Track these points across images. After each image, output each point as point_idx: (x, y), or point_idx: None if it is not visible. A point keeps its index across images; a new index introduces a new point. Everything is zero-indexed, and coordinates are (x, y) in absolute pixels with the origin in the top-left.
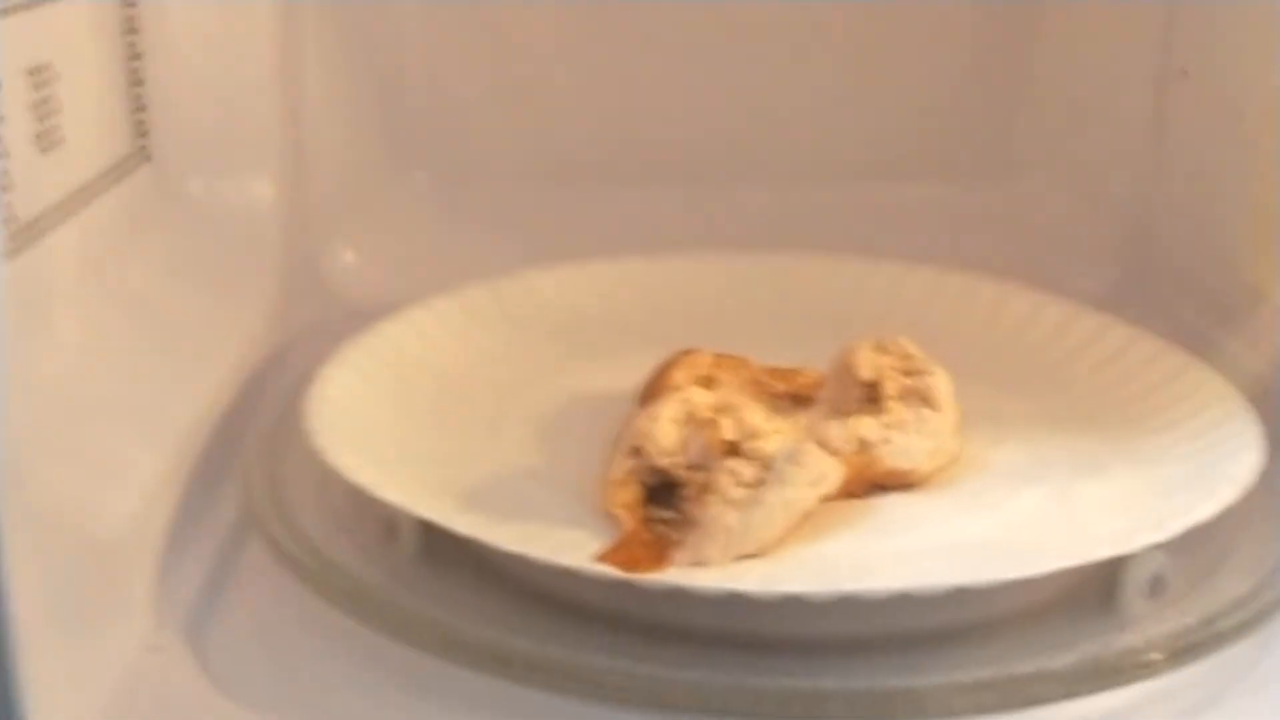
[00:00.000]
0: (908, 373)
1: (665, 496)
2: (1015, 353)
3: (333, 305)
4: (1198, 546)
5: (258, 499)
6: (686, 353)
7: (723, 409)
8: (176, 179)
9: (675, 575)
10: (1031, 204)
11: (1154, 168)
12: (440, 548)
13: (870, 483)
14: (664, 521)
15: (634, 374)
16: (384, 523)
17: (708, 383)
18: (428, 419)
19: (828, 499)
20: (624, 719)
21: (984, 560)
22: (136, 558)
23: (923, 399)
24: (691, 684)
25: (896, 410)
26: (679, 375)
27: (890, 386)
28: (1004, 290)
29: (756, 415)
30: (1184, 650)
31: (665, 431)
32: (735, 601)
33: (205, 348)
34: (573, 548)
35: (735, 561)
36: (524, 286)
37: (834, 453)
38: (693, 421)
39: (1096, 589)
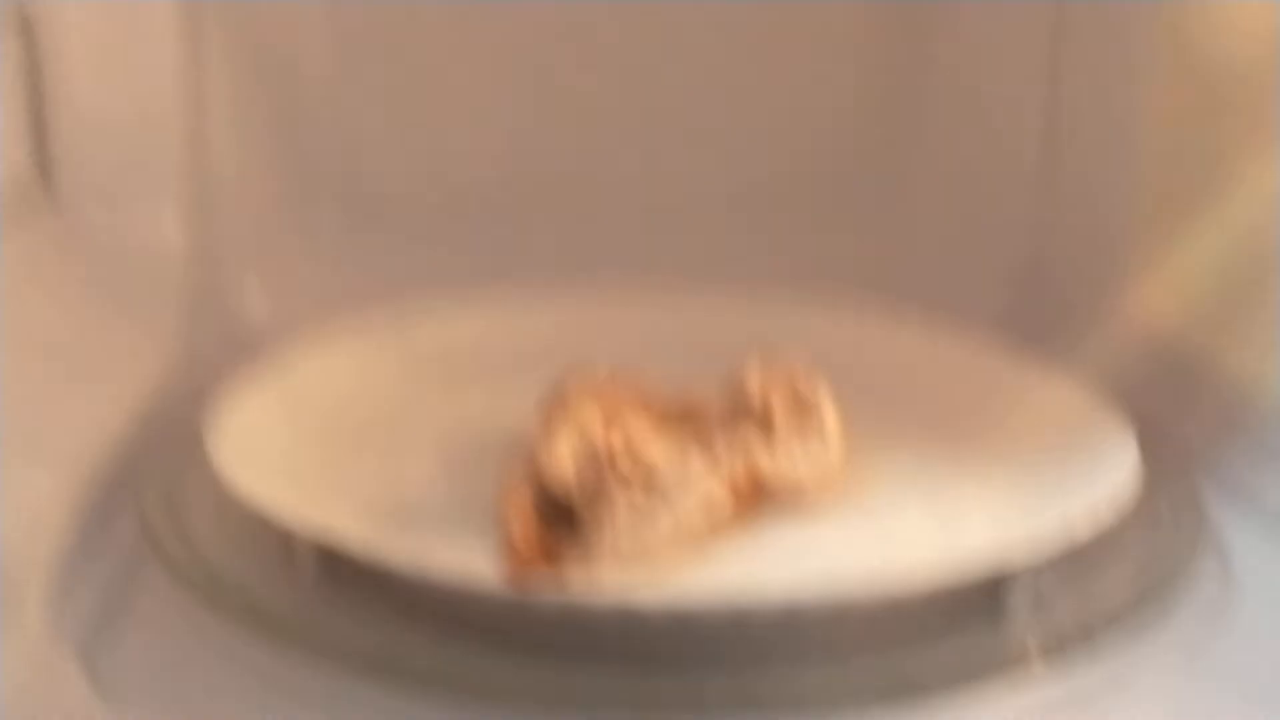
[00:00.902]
0: (794, 393)
1: (561, 516)
2: (902, 376)
3: (238, 337)
4: (1075, 556)
5: (154, 520)
6: (580, 373)
7: (614, 429)
8: (80, 214)
9: (566, 595)
10: (922, 229)
11: (1044, 190)
12: (339, 570)
13: (758, 501)
14: (559, 543)
15: (532, 399)
16: (282, 544)
17: (601, 398)
18: (326, 444)
19: (718, 525)
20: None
21: (868, 579)
22: (28, 578)
23: (809, 418)
24: (582, 688)
25: (783, 429)
26: (574, 398)
27: (779, 410)
28: (896, 321)
29: (648, 440)
30: (1060, 660)
31: (562, 459)
32: (625, 618)
33: (106, 378)
34: (468, 567)
35: (621, 573)
36: (424, 315)
37: (723, 476)
38: (588, 453)
39: (981, 604)
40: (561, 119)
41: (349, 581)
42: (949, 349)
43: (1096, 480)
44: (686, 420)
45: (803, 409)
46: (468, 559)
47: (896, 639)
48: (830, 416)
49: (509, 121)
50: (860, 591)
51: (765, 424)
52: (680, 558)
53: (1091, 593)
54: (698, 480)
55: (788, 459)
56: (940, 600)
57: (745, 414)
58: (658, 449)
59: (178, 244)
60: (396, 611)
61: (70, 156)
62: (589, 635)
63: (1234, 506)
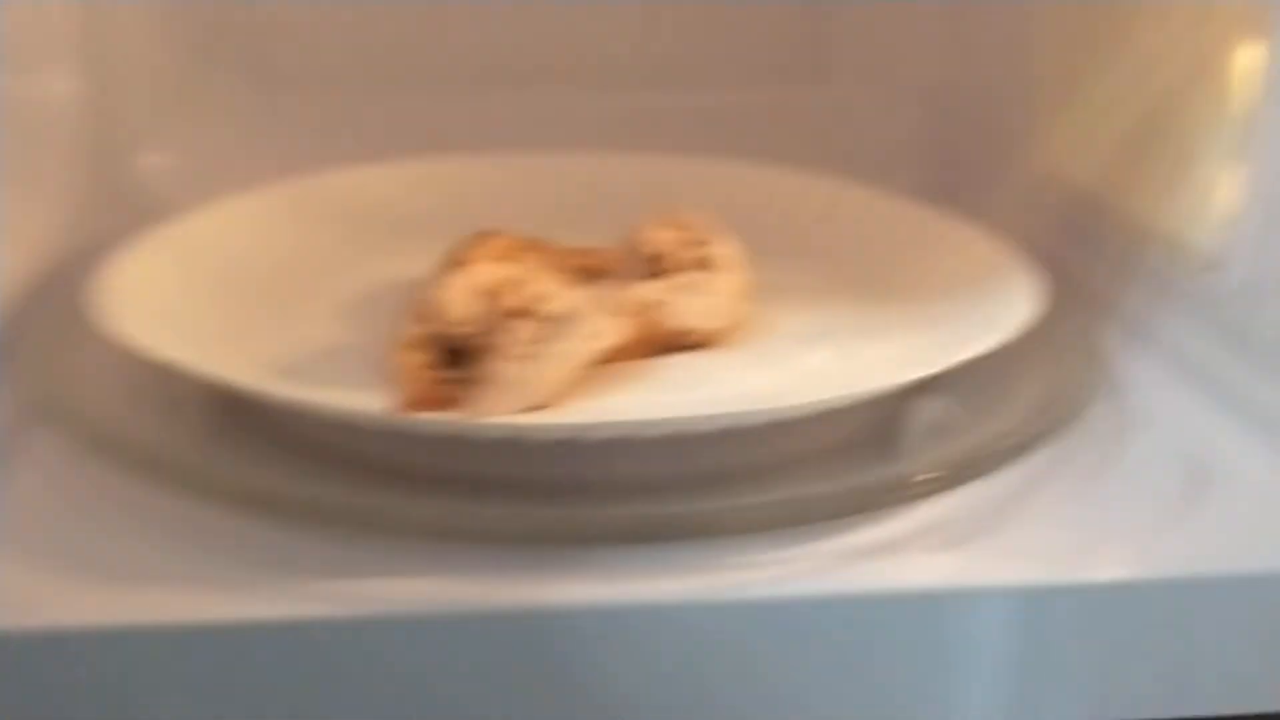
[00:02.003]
0: (691, 243)
1: (453, 362)
2: (811, 234)
3: (141, 209)
4: (976, 394)
5: (39, 375)
6: (485, 234)
7: (512, 279)
8: None
9: (449, 419)
10: (837, 103)
11: (951, 60)
12: (230, 422)
13: (655, 344)
14: (451, 382)
15: (428, 262)
16: (172, 397)
17: (500, 259)
18: (219, 303)
19: (609, 357)
20: (400, 556)
21: (761, 402)
22: None
23: (704, 264)
24: (470, 518)
25: (678, 276)
26: (475, 254)
27: (672, 257)
28: (805, 179)
29: (545, 283)
30: (949, 474)
31: (456, 300)
32: (512, 444)
33: None
34: (357, 399)
35: (518, 414)
36: (327, 181)
37: (617, 314)
38: (482, 291)
39: (878, 438)
40: None
41: (238, 429)
42: (857, 201)
43: (995, 315)
44: (590, 275)
45: (698, 254)
46: (357, 396)
47: (789, 466)
48: (725, 260)
49: None
50: (747, 415)
51: (660, 269)
52: (571, 390)
53: (987, 422)
54: (586, 314)
55: (682, 301)
56: (835, 426)
57: (643, 266)
58: (553, 294)
59: (76, 104)
60: (286, 454)
61: None
62: (477, 464)
63: (1132, 344)
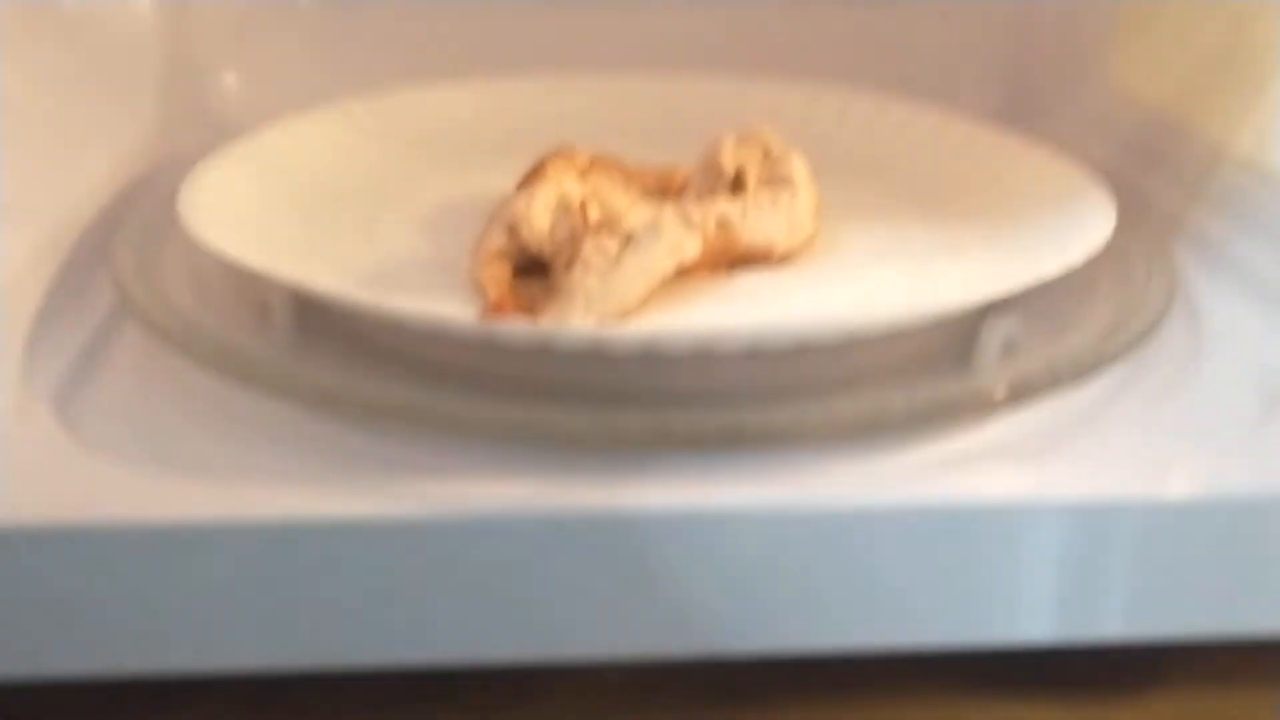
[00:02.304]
0: (767, 160)
1: (534, 273)
2: (884, 156)
3: (216, 127)
4: (1052, 313)
5: (128, 277)
6: (562, 149)
7: (594, 194)
8: None
9: (536, 328)
10: (910, 24)
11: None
12: (314, 327)
13: (731, 259)
14: (532, 293)
15: (513, 180)
16: (258, 303)
17: (582, 177)
18: (303, 214)
19: (687, 271)
20: (480, 457)
21: (834, 319)
22: (3, 335)
23: (780, 181)
24: (544, 419)
25: (754, 191)
26: (554, 169)
27: (751, 174)
28: (879, 101)
29: (623, 199)
30: (1024, 390)
31: (539, 214)
32: (594, 353)
33: (81, 154)
34: (440, 307)
35: (593, 321)
36: (405, 99)
37: (694, 229)
38: (564, 205)
39: (953, 354)
40: None
41: (323, 334)
42: (931, 124)
43: (1070, 235)
44: (666, 193)
45: (774, 173)
46: (440, 304)
47: (864, 380)
48: (801, 180)
49: None
50: (825, 329)
51: (737, 187)
52: (649, 303)
53: (1061, 340)
54: (667, 228)
55: (758, 217)
56: (909, 343)
57: (720, 182)
58: (631, 210)
59: (150, 24)
60: (369, 359)
61: None
62: (558, 372)
63: (1208, 265)
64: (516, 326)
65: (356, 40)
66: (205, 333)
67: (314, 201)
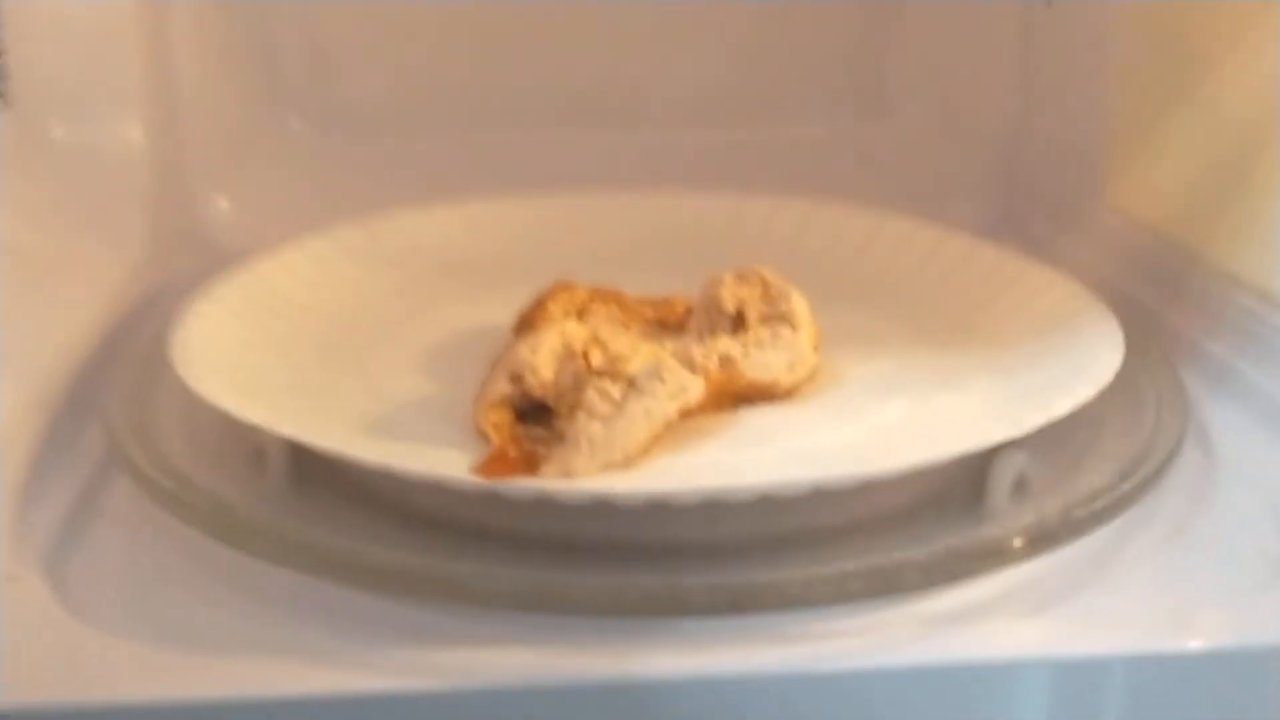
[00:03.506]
0: (766, 298)
1: (537, 418)
2: (882, 276)
3: (207, 253)
4: (1061, 446)
5: (120, 429)
6: (562, 285)
7: (597, 338)
8: (38, 123)
9: (541, 483)
10: (905, 140)
11: (1022, 99)
12: (311, 476)
13: (734, 397)
14: (535, 439)
15: (507, 310)
16: (252, 451)
17: (582, 314)
18: (296, 353)
19: (690, 412)
20: (489, 624)
21: (845, 463)
22: None
23: (780, 317)
24: (554, 586)
25: (755, 330)
26: (554, 307)
27: (751, 312)
28: (875, 218)
29: (624, 342)
30: (1042, 538)
31: (544, 362)
32: (601, 508)
33: (71, 293)
34: (442, 463)
35: (602, 472)
36: (397, 225)
37: (696, 369)
38: (567, 350)
39: (962, 492)
40: (543, 31)
41: (319, 487)
42: (933, 244)
43: (1079, 364)
44: (665, 327)
45: (774, 310)
46: (440, 455)
47: (874, 525)
48: (802, 316)
49: (486, 31)
50: (836, 478)
51: (738, 325)
52: (655, 449)
53: (1074, 475)
54: (670, 372)
55: (759, 354)
56: (919, 484)
57: (720, 322)
58: (633, 354)
59: (141, 152)
60: (367, 515)
61: (27, 65)
62: (563, 526)
63: (1218, 392)
64: (519, 483)
65: (348, 162)
66: (200, 494)
67: (307, 337)
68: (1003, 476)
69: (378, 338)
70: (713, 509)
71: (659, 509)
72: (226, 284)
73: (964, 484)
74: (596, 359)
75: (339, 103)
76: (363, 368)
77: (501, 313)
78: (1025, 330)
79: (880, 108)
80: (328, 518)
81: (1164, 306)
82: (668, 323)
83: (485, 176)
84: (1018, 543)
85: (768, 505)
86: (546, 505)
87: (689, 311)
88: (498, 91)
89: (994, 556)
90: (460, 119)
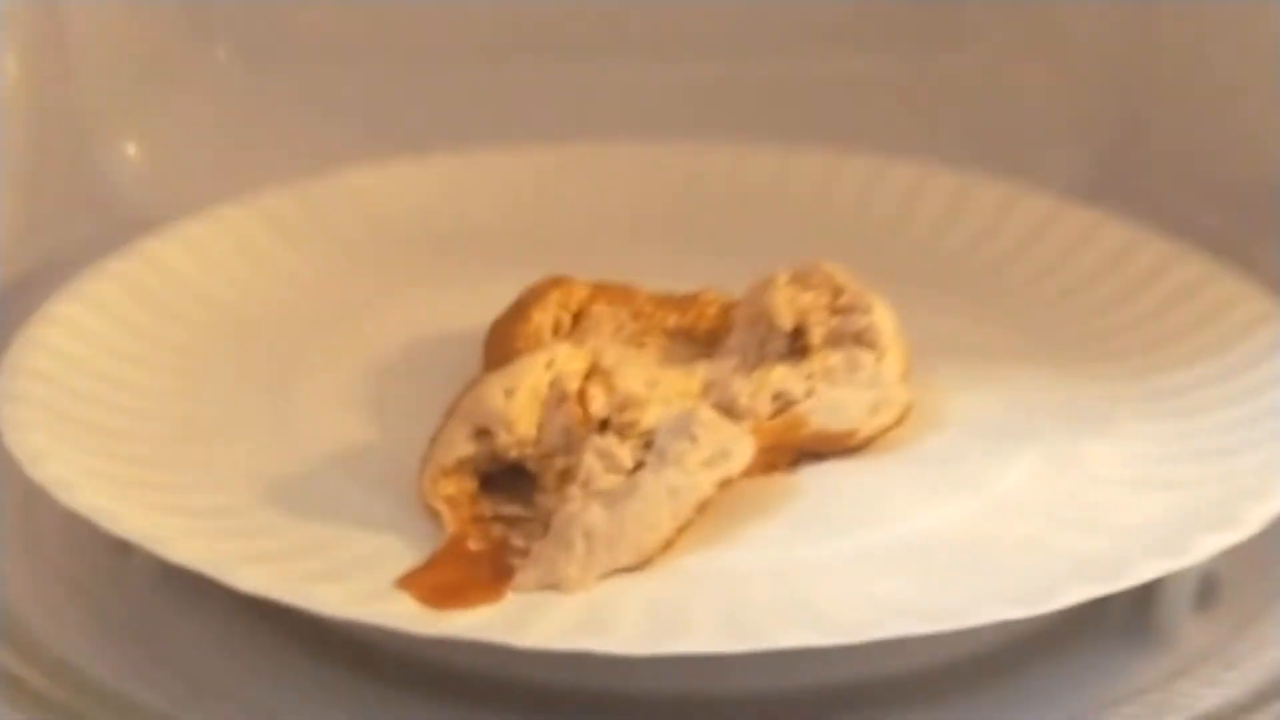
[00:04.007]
0: (836, 311)
1: (511, 486)
2: (981, 265)
3: (109, 215)
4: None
5: None
6: (553, 282)
7: (596, 373)
8: None
9: (508, 615)
10: (987, 76)
11: (1141, 25)
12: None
13: (795, 451)
14: (506, 520)
15: (482, 308)
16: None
17: (578, 322)
18: (191, 374)
19: (733, 483)
20: None
21: (968, 574)
22: None
23: (857, 340)
24: None
25: (823, 356)
26: (541, 317)
27: (817, 330)
28: (963, 183)
29: (638, 374)
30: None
31: (524, 409)
32: (598, 658)
33: None
34: (370, 566)
35: (603, 581)
36: (339, 190)
37: (742, 416)
38: (556, 394)
39: (1119, 599)
40: None
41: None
42: (1037, 212)
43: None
44: (693, 339)
45: (849, 325)
46: (374, 554)
47: (993, 669)
48: (886, 331)
49: None
50: (951, 608)
51: (798, 346)
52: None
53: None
54: (706, 428)
55: (829, 391)
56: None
57: (772, 342)
58: (648, 399)
59: (16, 85)
60: (273, 644)
61: None
62: (545, 677)
63: None
64: (477, 619)
65: (286, 102)
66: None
67: (210, 349)
68: (1184, 588)
69: (305, 350)
70: (762, 661)
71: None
72: (97, 278)
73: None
74: (598, 404)
75: (275, 27)
76: (279, 398)
77: (474, 311)
78: (1188, 348)
79: (956, 37)
80: (205, 653)
81: None
82: (696, 334)
83: (456, 124)
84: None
85: (849, 660)
86: (506, 653)
87: (724, 315)
88: (473, 15)
89: None
90: (427, 50)
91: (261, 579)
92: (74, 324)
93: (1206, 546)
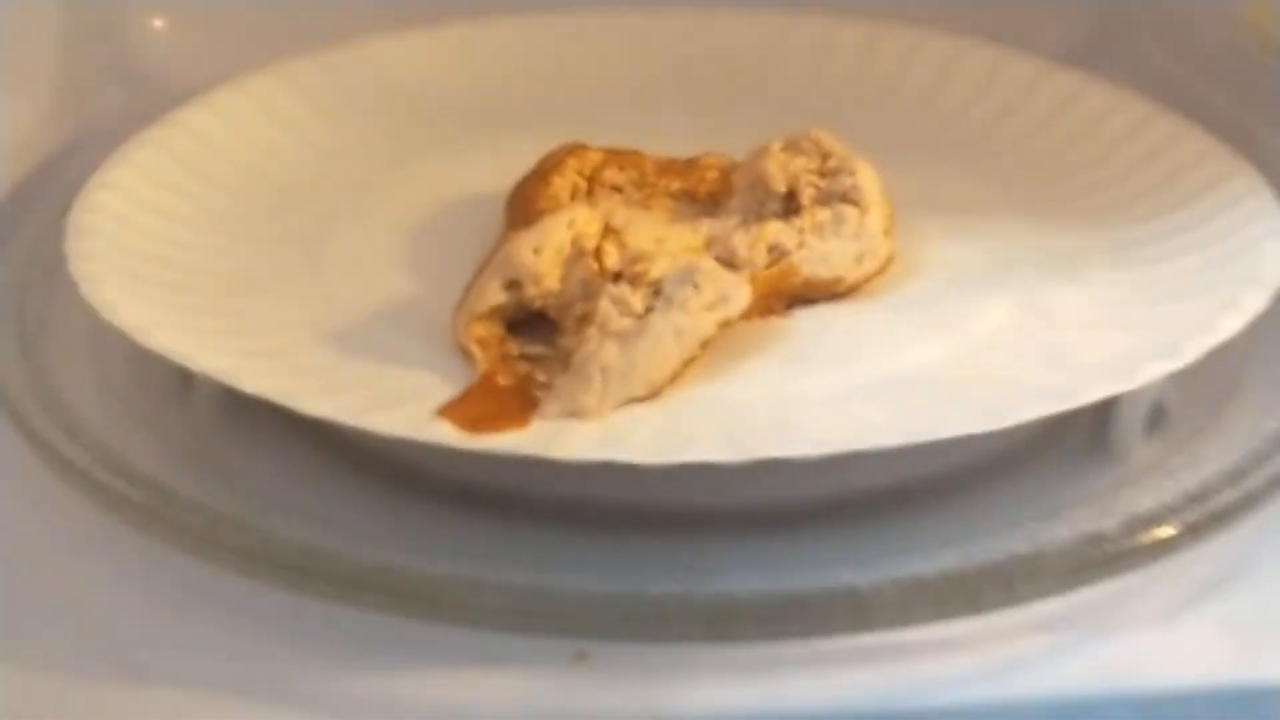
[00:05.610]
0: (824, 174)
1: (534, 331)
2: (966, 123)
3: (138, 87)
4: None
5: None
6: (570, 149)
7: (609, 232)
8: None
9: (536, 436)
10: None
11: None
12: (252, 405)
13: (788, 297)
14: (531, 359)
15: (501, 172)
16: (178, 375)
17: (592, 187)
18: (236, 233)
19: (733, 324)
20: (474, 642)
21: (939, 402)
22: None
23: (843, 198)
24: (555, 599)
25: (813, 213)
26: (560, 182)
27: (807, 191)
28: (953, 45)
29: (648, 232)
30: (1209, 520)
31: (549, 265)
32: (614, 470)
33: None
34: (412, 398)
35: (618, 409)
36: (364, 57)
37: (741, 266)
38: (577, 251)
39: (1080, 426)
40: None
41: (257, 418)
42: (1022, 75)
43: (1241, 260)
44: (695, 200)
45: (836, 185)
46: (413, 390)
47: (963, 483)
48: (870, 189)
49: None
50: (924, 426)
51: (795, 213)
52: (688, 381)
53: (1231, 407)
54: (708, 276)
55: (819, 243)
56: (1032, 428)
57: (767, 199)
58: (659, 247)
59: None
60: (319, 462)
61: None
62: (566, 488)
63: None
64: (509, 439)
65: None
66: (111, 468)
67: (248, 213)
68: (1136, 413)
69: (337, 212)
70: (761, 472)
71: (691, 473)
72: (142, 146)
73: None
74: (612, 258)
75: None
76: (317, 257)
77: (494, 175)
78: (1157, 203)
79: None
80: (266, 473)
81: None
82: (698, 195)
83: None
84: (1170, 530)
85: (833, 466)
86: (547, 467)
87: (724, 179)
88: None
89: (1139, 553)
90: None
91: (323, 406)
92: (125, 188)
93: (1150, 372)
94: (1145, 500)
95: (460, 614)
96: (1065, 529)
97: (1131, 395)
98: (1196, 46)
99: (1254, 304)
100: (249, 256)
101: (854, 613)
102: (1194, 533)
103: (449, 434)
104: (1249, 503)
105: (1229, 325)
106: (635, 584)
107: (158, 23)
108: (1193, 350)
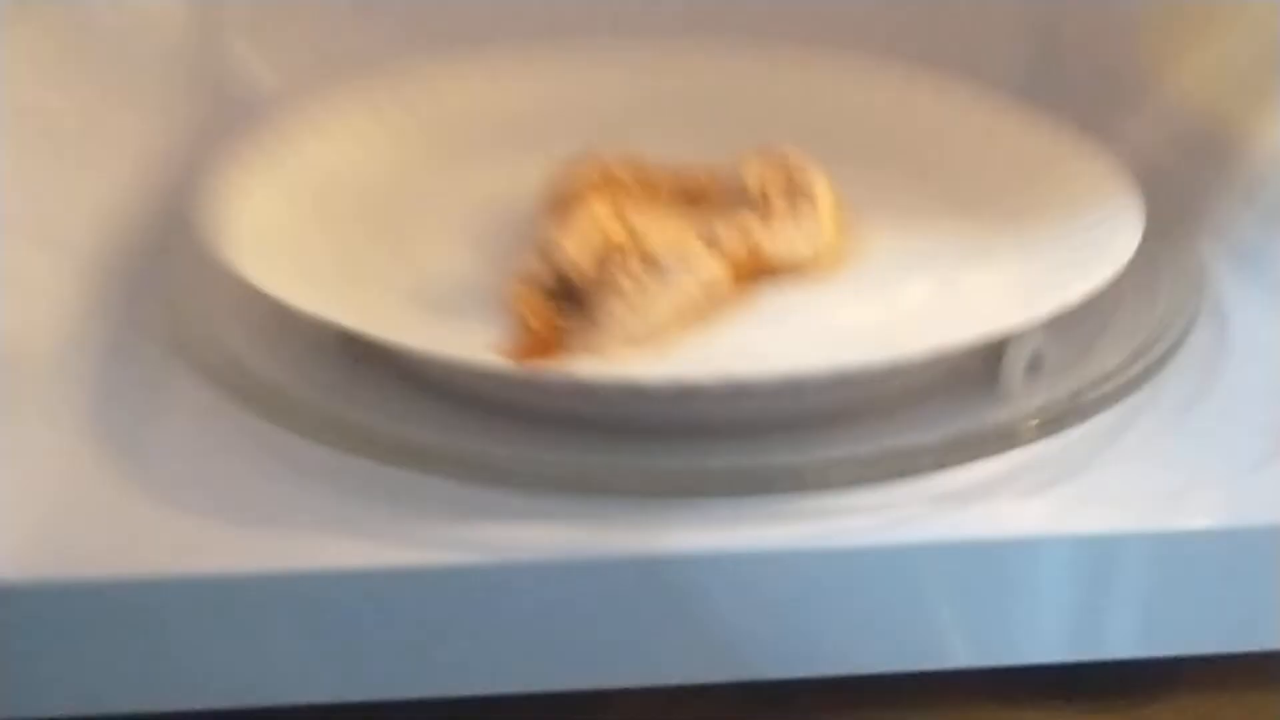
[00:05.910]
0: (789, 178)
1: (570, 306)
2: (904, 140)
3: (241, 108)
4: (1079, 324)
5: (172, 319)
6: (590, 158)
7: (619, 216)
8: None
9: (568, 365)
10: None
11: None
12: (367, 354)
13: (755, 272)
14: (563, 315)
15: (538, 175)
16: (307, 330)
17: (607, 186)
18: (333, 228)
19: (718, 291)
20: (523, 501)
21: (866, 344)
22: (33, 366)
23: (799, 192)
24: (586, 468)
25: (779, 208)
26: (583, 183)
27: (773, 192)
28: (906, 77)
29: (648, 218)
30: (1053, 421)
31: (579, 250)
32: (629, 391)
33: (106, 159)
34: (475, 346)
35: (628, 351)
36: (431, 82)
37: (720, 247)
38: (597, 232)
39: (978, 371)
40: None
41: (374, 361)
42: (961, 112)
43: (1100, 245)
44: (691, 204)
45: (798, 191)
46: (481, 333)
47: (892, 406)
48: (824, 196)
49: None
50: (854, 357)
51: (763, 208)
52: (683, 334)
53: (1088, 356)
54: (697, 259)
55: (780, 230)
56: (937, 365)
57: (743, 201)
58: (660, 232)
59: (176, 14)
60: (418, 390)
61: None
62: (595, 410)
63: (1239, 272)
64: (551, 371)
65: (385, 12)
66: (253, 378)
67: (343, 210)
68: (1017, 359)
69: (416, 208)
70: (735, 392)
71: (684, 393)
72: (258, 151)
73: (982, 364)
74: (620, 236)
75: None
76: (401, 242)
77: (530, 180)
78: (1052, 205)
79: None
80: (377, 397)
81: (1196, 183)
82: (691, 194)
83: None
84: (1029, 425)
85: (788, 388)
86: (577, 388)
87: (711, 179)
88: None
89: (1005, 439)
90: None
91: (416, 343)
92: (248, 191)
93: (1014, 324)
94: (1024, 432)
95: (509, 479)
96: (952, 429)
97: (1014, 349)
98: (1107, 79)
99: (1101, 275)
100: (346, 249)
101: (792, 480)
102: (1045, 426)
103: (500, 363)
104: (1080, 413)
105: (1076, 292)
106: (642, 462)
107: (241, 46)
108: (1043, 310)
